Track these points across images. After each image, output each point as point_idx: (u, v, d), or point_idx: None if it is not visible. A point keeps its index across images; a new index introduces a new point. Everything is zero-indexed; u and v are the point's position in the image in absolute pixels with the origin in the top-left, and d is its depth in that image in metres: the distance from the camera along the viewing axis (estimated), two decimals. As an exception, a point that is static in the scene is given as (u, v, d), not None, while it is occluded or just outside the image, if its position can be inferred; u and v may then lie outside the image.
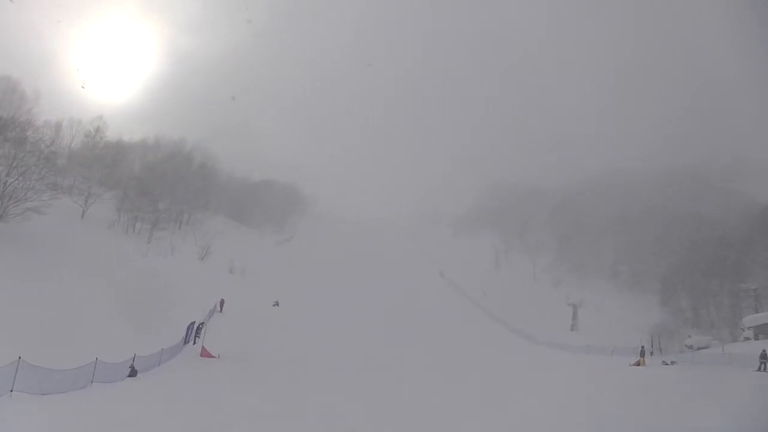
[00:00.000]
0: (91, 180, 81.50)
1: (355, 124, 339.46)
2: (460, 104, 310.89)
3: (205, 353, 41.87)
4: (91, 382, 25.85)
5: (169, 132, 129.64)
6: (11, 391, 20.47)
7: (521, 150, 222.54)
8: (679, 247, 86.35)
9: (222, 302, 62.19)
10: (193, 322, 48.00)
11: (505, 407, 23.75)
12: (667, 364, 42.45)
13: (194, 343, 45.46)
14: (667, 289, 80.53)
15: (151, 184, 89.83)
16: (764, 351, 33.28)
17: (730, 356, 37.42)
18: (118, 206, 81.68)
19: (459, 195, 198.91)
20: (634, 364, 42.66)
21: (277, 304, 68.93)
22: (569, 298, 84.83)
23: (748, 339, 53.02)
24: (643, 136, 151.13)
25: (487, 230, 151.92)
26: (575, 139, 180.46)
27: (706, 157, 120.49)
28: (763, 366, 32.66)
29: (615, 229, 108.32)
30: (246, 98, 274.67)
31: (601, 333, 66.94)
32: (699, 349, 52.66)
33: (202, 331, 47.25)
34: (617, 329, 68.40)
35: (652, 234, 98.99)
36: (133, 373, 30.88)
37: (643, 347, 46.66)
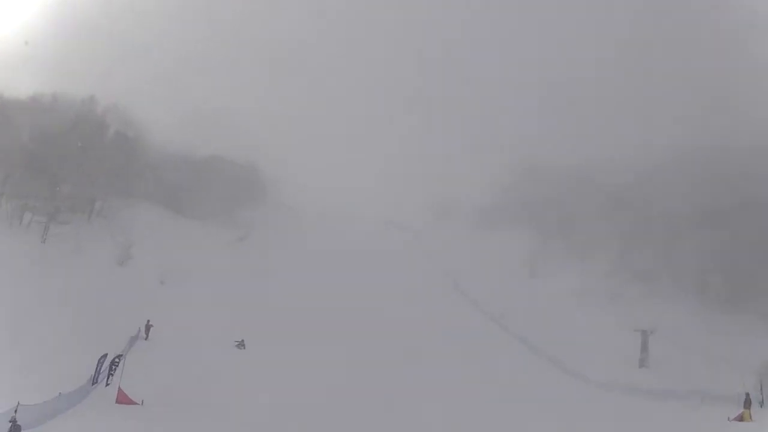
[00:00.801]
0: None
1: (339, 82, 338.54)
2: (484, 56, 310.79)
3: (122, 398, 41.24)
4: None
5: (72, 88, 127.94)
6: None
7: (566, 122, 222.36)
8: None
9: (149, 326, 61.57)
10: (105, 355, 47.06)
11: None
12: (785, 418, 41.62)
13: (108, 383, 44.57)
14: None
15: (48, 159, 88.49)
16: None
17: None
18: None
19: (481, 180, 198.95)
20: (735, 419, 42.17)
21: (242, 344, 64.38)
22: (637, 322, 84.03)
23: None
24: (743, 100, 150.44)
25: (518, 227, 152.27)
26: (643, 104, 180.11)
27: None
28: None
29: (703, 224, 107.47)
30: (182, 45, 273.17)
31: (684, 372, 66.42)
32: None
33: (119, 366, 46.35)
34: (708, 367, 67.88)
35: (759, 231, 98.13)
36: (14, 429, 30.17)
37: (747, 394, 45.94)
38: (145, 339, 59.92)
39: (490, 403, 51.32)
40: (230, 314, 74.85)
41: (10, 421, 30.00)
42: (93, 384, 43.74)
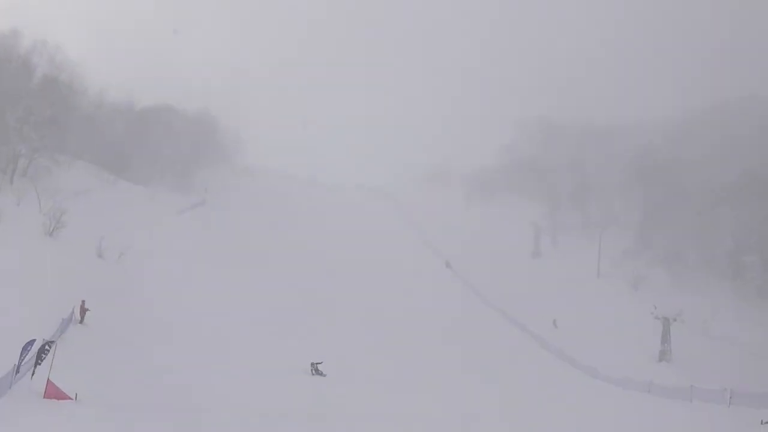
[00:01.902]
0: None
1: (317, 22, 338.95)
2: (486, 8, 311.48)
3: (52, 392, 40.98)
4: None
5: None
6: None
7: (577, 73, 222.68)
8: None
9: (83, 307, 60.78)
10: (32, 341, 46.98)
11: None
12: (828, 424, 42.19)
13: (33, 374, 44.53)
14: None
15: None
16: None
17: None
18: None
19: (478, 141, 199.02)
20: (768, 422, 42.45)
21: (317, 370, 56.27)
22: (657, 309, 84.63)
23: None
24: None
25: (520, 196, 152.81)
26: (664, 54, 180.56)
27: None
28: None
29: (738, 194, 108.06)
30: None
31: (712, 366, 67.17)
32: None
33: (49, 355, 46.34)
34: (739, 360, 68.63)
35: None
36: None
37: (784, 394, 46.45)
38: (80, 322, 59.20)
39: (482, 404, 51.93)
40: (179, 293, 75.21)
41: None
42: (16, 374, 43.79)
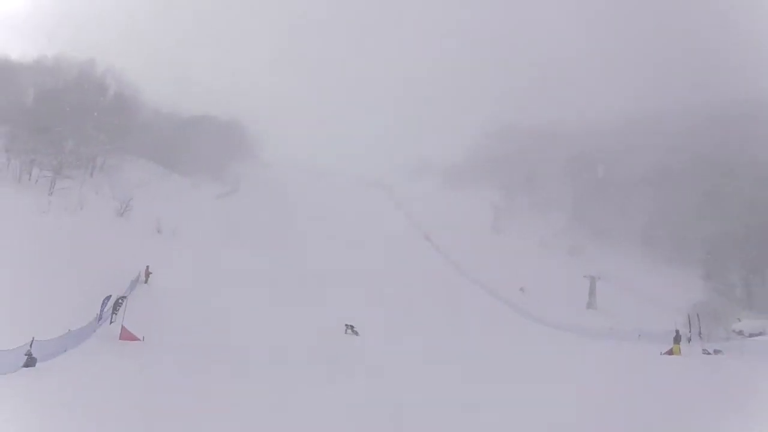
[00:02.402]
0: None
1: (318, 46, 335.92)
2: (455, 28, 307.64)
3: (125, 335, 41.73)
4: (-26, 373, 25.61)
5: (72, 51, 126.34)
6: None
7: (531, 87, 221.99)
8: (732, 206, 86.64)
9: (147, 271, 61.87)
10: (109, 296, 47.73)
11: (503, 410, 23.98)
12: (708, 353, 43.00)
13: (111, 322, 45.35)
14: (713, 260, 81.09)
15: (51, 118, 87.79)
16: None
17: (790, 345, 37.93)
18: (6, 147, 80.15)
19: (451, 140, 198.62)
20: (666, 353, 43.24)
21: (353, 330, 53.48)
22: (587, 270, 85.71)
23: (815, 324, 53.89)
24: (690, 70, 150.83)
25: (485, 183, 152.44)
26: (600, 73, 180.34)
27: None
28: None
29: (650, 182, 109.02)
30: (175, 11, 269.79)
31: (627, 313, 67.98)
32: (751, 335, 53.37)
33: (122, 307, 47.08)
34: (646, 308, 69.45)
35: (698, 190, 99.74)
36: (30, 362, 30.49)
37: (678, 332, 47.17)
38: (145, 282, 60.11)
39: (453, 340, 52.66)
40: (222, 258, 75.74)
41: (25, 354, 30.61)
42: (99, 323, 44.58)
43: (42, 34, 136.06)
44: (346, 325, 52.91)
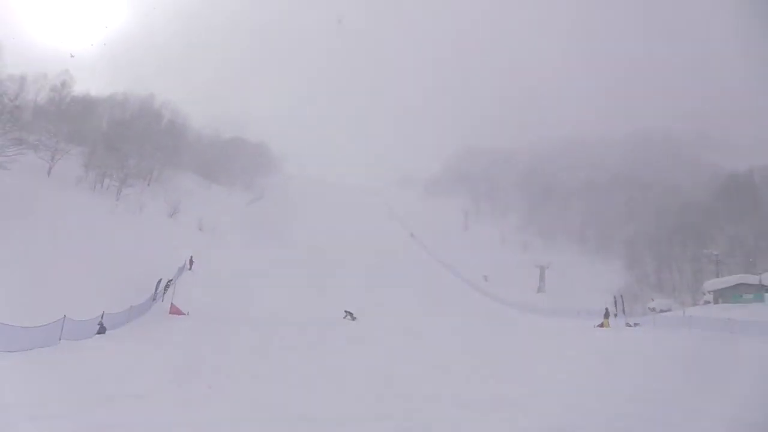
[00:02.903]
0: (58, 136, 79.56)
1: (326, 88, 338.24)
2: (434, 71, 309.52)
3: (174, 310, 41.81)
4: (60, 339, 25.62)
5: (137, 88, 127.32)
6: (-23, 348, 20.32)
7: (492, 116, 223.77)
8: (645, 213, 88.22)
9: (191, 260, 61.81)
10: (161, 280, 47.80)
11: (478, 366, 24.05)
12: (630, 325, 43.24)
13: (162, 300, 45.38)
14: (632, 253, 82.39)
15: (120, 140, 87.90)
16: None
17: (690, 319, 38.26)
18: (85, 162, 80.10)
19: (430, 159, 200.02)
20: (598, 326, 43.37)
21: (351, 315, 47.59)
22: (537, 261, 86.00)
23: (708, 303, 54.41)
24: (614, 100, 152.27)
25: (457, 193, 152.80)
26: (546, 105, 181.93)
27: (675, 127, 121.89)
28: None
29: (583, 194, 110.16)
30: (215, 57, 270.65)
31: (568, 295, 68.29)
32: (661, 311, 53.93)
33: (171, 287, 47.12)
34: (583, 292, 69.77)
35: (619, 200, 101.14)
36: (101, 330, 30.66)
37: (607, 309, 47.51)
38: (189, 269, 60.08)
39: (438, 311, 53.08)
40: (250, 252, 75.69)
41: (98, 324, 30.82)
42: (153, 300, 44.68)
43: (113, 76, 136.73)
44: (345, 311, 47.22)
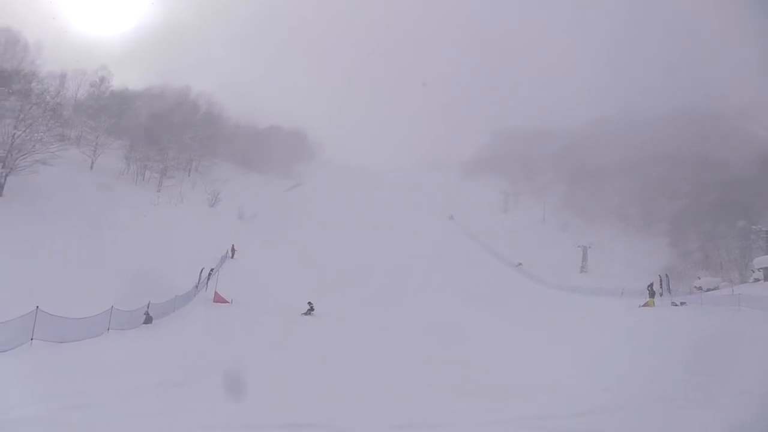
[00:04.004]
0: (98, 130, 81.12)
1: (359, 74, 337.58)
2: (465, 51, 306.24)
3: (218, 298, 42.24)
4: (108, 329, 26.16)
5: (174, 81, 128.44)
6: (31, 339, 20.83)
7: (526, 94, 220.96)
8: (688, 189, 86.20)
9: (233, 248, 62.31)
10: (203, 268, 48.30)
11: (519, 347, 23.87)
12: (675, 304, 42.42)
13: (206, 289, 45.82)
14: (676, 231, 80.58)
15: (159, 132, 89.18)
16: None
17: (739, 297, 37.34)
18: (126, 156, 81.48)
19: (465, 141, 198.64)
20: (643, 306, 42.75)
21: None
22: (579, 241, 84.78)
23: (757, 280, 52.97)
24: (650, 77, 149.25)
25: (494, 175, 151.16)
26: (581, 82, 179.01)
27: (717, 99, 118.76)
28: None
29: (623, 172, 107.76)
30: (249, 48, 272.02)
31: (611, 275, 67.12)
32: (708, 290, 52.78)
33: (214, 276, 47.64)
34: (627, 271, 68.58)
35: (661, 176, 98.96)
36: (148, 319, 31.28)
37: (652, 288, 46.68)
38: (231, 258, 60.62)
39: (481, 294, 52.63)
40: (291, 240, 76.10)
41: (144, 314, 31.41)
42: (197, 289, 45.18)
43: (150, 68, 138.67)
44: (308, 303, 40.22)
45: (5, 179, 50.48)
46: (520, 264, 77.82)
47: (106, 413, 11.36)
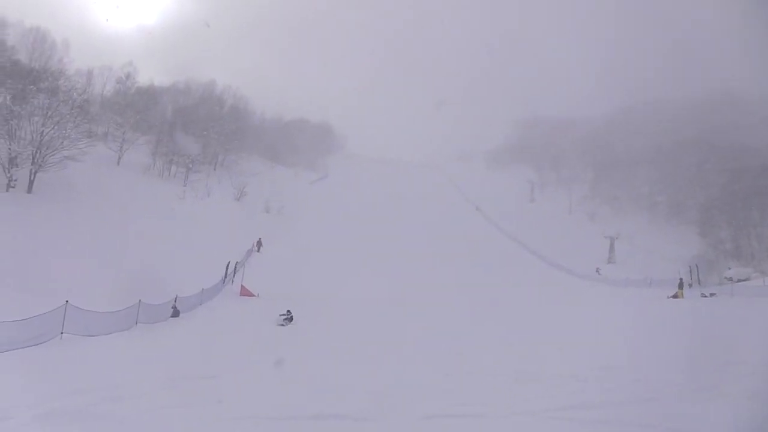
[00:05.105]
0: (125, 126, 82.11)
1: (383, 65, 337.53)
2: (488, 41, 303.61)
3: (244, 292, 42.46)
4: (136, 323, 26.51)
5: (199, 75, 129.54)
6: (61, 333, 21.19)
7: (550, 84, 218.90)
8: (717, 177, 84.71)
9: (260, 242, 62.71)
10: (229, 262, 48.55)
11: (545, 339, 23.73)
12: (705, 296, 41.86)
13: (233, 282, 46.13)
14: (706, 220, 79.24)
15: (185, 127, 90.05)
16: None
17: (771, 287, 36.80)
18: (152, 151, 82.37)
19: (490, 131, 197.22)
20: (672, 297, 42.20)
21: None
22: (606, 231, 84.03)
23: (790, 270, 52.20)
24: (675, 65, 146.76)
25: (520, 165, 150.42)
26: (606, 70, 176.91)
27: (745, 85, 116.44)
28: None
29: (651, 159, 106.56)
30: (276, 43, 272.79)
31: (639, 265, 66.45)
32: (739, 281, 51.95)
33: (240, 270, 47.95)
34: (655, 261, 67.81)
35: (690, 164, 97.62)
36: (175, 313, 31.57)
37: (681, 279, 46.07)
38: (257, 252, 61.04)
39: (507, 286, 52.30)
40: (317, 232, 76.31)
41: (172, 307, 31.72)
42: (224, 282, 45.55)
43: (175, 65, 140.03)
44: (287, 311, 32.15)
45: (35, 176, 51.28)
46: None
47: (140, 405, 11.56)
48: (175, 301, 32.10)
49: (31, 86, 55.28)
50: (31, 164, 51.48)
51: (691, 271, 53.59)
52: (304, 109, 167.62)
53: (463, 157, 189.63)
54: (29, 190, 50.50)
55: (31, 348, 18.66)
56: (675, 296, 42.29)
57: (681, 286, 44.28)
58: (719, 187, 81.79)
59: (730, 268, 60.25)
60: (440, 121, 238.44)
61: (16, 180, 50.23)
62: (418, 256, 66.45)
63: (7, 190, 48.63)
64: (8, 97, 53.94)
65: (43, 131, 52.64)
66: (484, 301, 40.99)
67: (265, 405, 11.78)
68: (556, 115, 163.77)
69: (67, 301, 21.44)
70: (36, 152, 51.91)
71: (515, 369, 16.35)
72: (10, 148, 50.66)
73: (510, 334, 25.33)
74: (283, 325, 30.57)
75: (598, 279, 60.24)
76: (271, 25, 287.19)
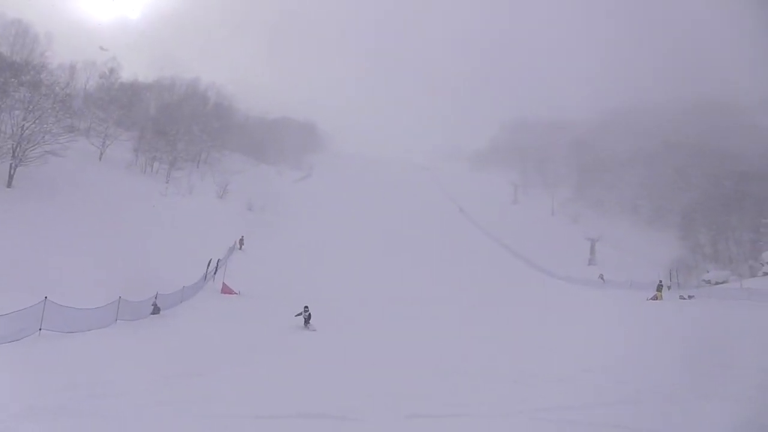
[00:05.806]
0: (108, 121, 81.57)
1: (370, 64, 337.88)
2: (477, 42, 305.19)
3: (225, 290, 42.30)
4: (116, 320, 26.40)
5: (182, 72, 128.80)
6: (40, 329, 21.09)
7: (538, 86, 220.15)
8: (699, 182, 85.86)
9: (242, 239, 62.53)
10: (211, 260, 48.38)
11: (526, 341, 24.00)
12: (684, 298, 42.43)
13: (213, 280, 45.97)
14: (686, 224, 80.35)
15: (168, 124, 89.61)
16: None
17: (748, 291, 37.32)
18: (135, 147, 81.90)
19: (476, 131, 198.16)
20: (651, 299, 42.72)
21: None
22: (587, 233, 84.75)
23: (766, 274, 52.87)
24: (663, 69, 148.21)
25: (504, 166, 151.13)
26: (594, 73, 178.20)
27: (730, 92, 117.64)
28: None
29: (634, 164, 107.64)
30: (262, 40, 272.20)
31: (619, 267, 67.04)
32: (717, 283, 52.71)
33: (222, 267, 47.79)
34: (635, 264, 68.50)
35: (672, 169, 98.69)
36: (156, 310, 31.37)
37: (660, 281, 46.62)
38: (239, 249, 60.77)
39: (489, 286, 52.75)
40: (299, 231, 76.15)
41: (152, 305, 31.59)
42: (204, 280, 45.37)
43: (159, 60, 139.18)
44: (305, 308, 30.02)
45: (15, 170, 50.89)
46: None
47: (123, 403, 11.66)
48: (156, 299, 31.94)
49: (13, 79, 54.85)
50: (11, 158, 51.08)
51: (670, 274, 54.22)
52: (289, 108, 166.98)
53: (450, 157, 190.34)
54: (9, 184, 50.11)
55: (7, 344, 18.55)
56: (654, 298, 42.79)
57: (660, 288, 44.77)
58: (701, 191, 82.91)
59: (708, 271, 61.05)
60: (427, 121, 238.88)
61: (-5, 174, 49.87)
62: (398, 256, 66.83)
63: (-14, 185, 48.27)
64: (-11, 90, 53.49)
65: (24, 125, 52.27)
66: (461, 302, 41.19)
67: (249, 403, 11.90)
68: (544, 117, 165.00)
69: (45, 297, 21.35)
70: (16, 146, 51.51)
71: (487, 368, 16.61)
72: (-11, 142, 50.28)
73: (491, 336, 25.57)
74: (305, 326, 28.86)
75: (578, 280, 60.60)
76: (257, 23, 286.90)
